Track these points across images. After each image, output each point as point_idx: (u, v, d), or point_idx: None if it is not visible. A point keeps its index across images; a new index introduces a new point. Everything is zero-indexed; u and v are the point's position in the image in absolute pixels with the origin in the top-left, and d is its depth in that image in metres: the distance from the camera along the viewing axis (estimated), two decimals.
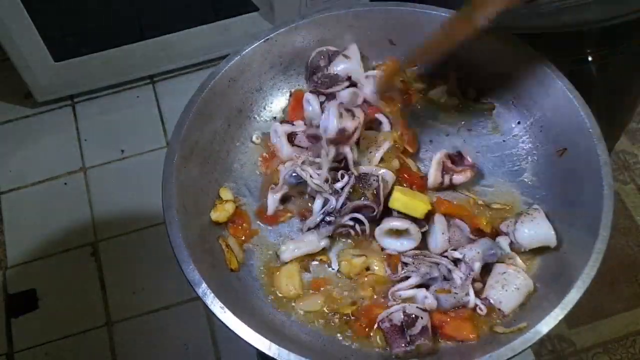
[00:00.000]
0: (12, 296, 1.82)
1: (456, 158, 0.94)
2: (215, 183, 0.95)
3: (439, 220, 0.88)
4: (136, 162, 2.04)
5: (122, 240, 1.90)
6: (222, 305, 0.77)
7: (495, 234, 0.89)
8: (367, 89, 0.96)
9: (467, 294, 0.83)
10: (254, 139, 1.00)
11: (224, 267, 0.88)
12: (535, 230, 0.86)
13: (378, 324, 0.82)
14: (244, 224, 0.92)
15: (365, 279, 0.87)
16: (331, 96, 0.94)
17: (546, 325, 0.75)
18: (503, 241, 0.87)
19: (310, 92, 0.96)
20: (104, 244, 1.89)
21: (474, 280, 0.84)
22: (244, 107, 1.00)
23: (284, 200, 0.94)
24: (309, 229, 0.89)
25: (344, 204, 0.87)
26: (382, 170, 0.90)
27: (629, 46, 1.06)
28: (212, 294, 0.77)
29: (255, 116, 1.02)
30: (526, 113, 0.98)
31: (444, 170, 0.93)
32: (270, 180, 0.95)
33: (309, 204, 0.91)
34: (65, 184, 2.01)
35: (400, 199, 0.87)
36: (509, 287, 0.83)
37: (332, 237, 0.90)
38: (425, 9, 0.97)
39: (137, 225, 1.91)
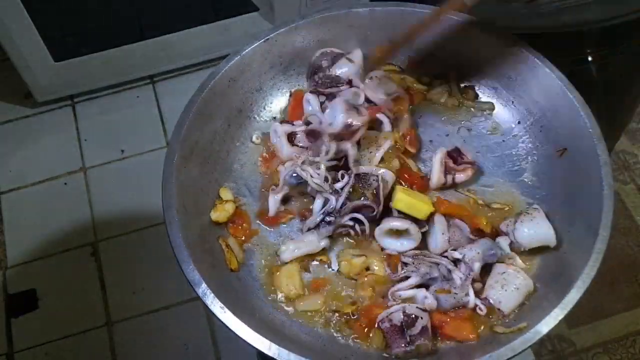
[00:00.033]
0: (12, 296, 1.82)
1: (456, 155, 0.94)
2: (215, 183, 0.95)
3: (438, 221, 0.88)
4: (136, 162, 2.04)
5: (122, 240, 1.90)
6: (222, 305, 0.77)
7: (495, 234, 0.89)
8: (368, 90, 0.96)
9: (467, 294, 0.83)
10: (254, 139, 1.00)
11: (224, 267, 0.88)
12: (535, 230, 0.85)
13: (378, 324, 0.82)
14: (244, 224, 0.92)
15: (365, 279, 0.87)
16: (331, 96, 0.94)
17: (546, 325, 0.75)
18: (503, 241, 0.87)
19: (310, 92, 0.96)
20: (104, 244, 1.89)
21: (473, 281, 0.84)
22: (244, 107, 1.00)
23: (285, 201, 0.94)
24: (309, 229, 0.89)
25: (344, 204, 0.87)
26: (382, 170, 0.89)
27: (629, 46, 1.06)
28: (212, 294, 0.77)
29: (255, 116, 1.02)
30: (526, 113, 0.98)
31: (446, 170, 0.93)
32: (271, 180, 0.95)
33: (310, 205, 0.91)
34: (65, 184, 2.01)
35: (404, 200, 0.87)
36: (509, 287, 0.83)
37: (332, 237, 0.90)
38: (425, 9, 0.97)
39: (137, 225, 1.91)
